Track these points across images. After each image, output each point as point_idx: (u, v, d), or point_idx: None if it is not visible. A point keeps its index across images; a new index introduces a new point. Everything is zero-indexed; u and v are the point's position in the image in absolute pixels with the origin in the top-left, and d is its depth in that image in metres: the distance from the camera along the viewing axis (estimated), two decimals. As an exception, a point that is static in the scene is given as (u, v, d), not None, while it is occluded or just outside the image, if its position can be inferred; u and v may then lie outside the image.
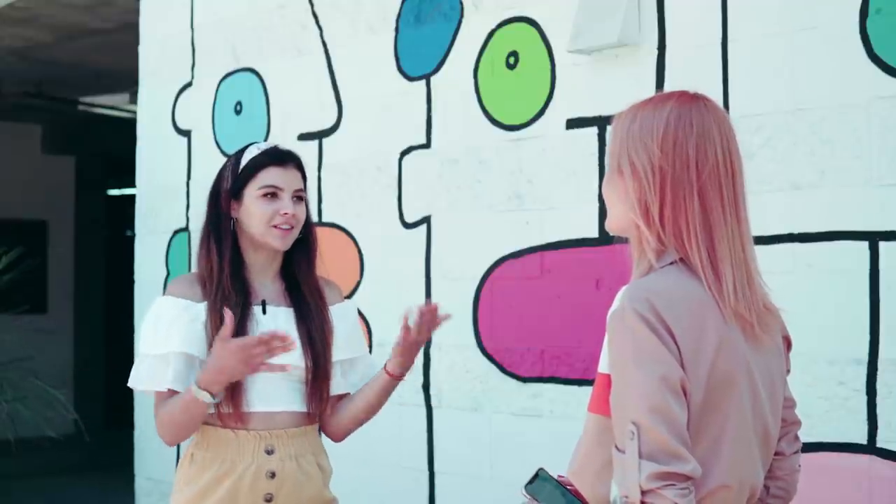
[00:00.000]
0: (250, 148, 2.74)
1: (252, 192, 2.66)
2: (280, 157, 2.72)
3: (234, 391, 2.58)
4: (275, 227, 2.65)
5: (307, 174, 2.80)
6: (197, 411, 2.55)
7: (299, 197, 2.70)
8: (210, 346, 2.56)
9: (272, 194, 2.66)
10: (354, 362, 2.81)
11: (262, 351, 2.48)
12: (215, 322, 2.58)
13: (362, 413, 2.78)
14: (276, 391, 2.64)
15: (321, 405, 2.69)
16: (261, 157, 2.70)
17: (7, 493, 7.43)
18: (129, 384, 2.68)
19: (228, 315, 2.49)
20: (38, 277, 9.49)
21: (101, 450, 7.77)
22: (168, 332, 2.61)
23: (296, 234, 2.70)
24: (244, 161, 2.70)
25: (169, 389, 2.59)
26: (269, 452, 2.61)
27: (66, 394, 6.24)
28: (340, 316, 2.77)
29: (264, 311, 2.66)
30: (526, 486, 1.89)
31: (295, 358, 2.63)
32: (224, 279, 2.63)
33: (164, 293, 2.72)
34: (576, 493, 1.87)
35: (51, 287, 10.39)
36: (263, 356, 2.48)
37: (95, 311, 10.63)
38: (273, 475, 2.60)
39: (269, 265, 2.71)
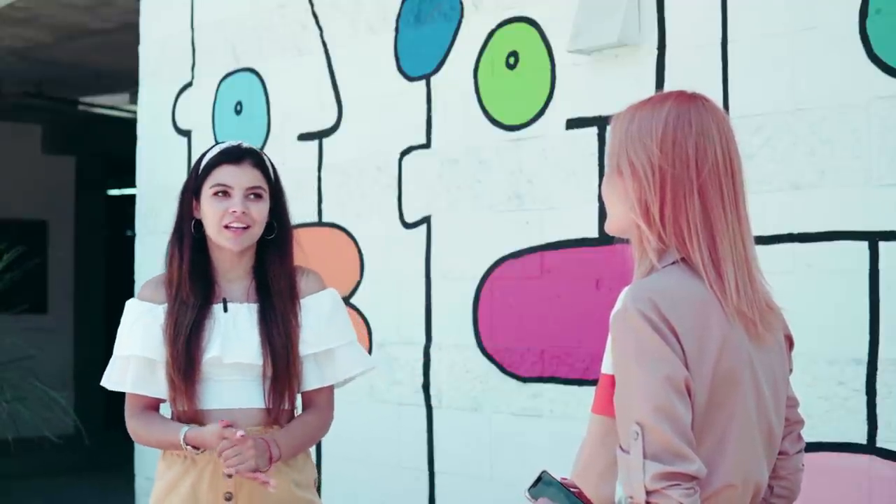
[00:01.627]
0: (214, 147, 2.73)
1: (206, 191, 2.65)
2: (233, 155, 2.66)
3: (186, 392, 2.60)
4: (226, 227, 2.62)
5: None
6: (174, 447, 2.63)
7: (256, 195, 2.65)
8: (167, 348, 2.60)
9: (223, 192, 2.63)
10: (332, 354, 2.72)
11: (230, 449, 2.50)
12: (170, 324, 2.62)
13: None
14: (233, 389, 2.63)
15: (282, 402, 2.65)
16: (216, 156, 2.67)
17: (7, 493, 7.42)
18: (102, 382, 2.76)
19: (226, 429, 2.52)
20: (38, 277, 9.48)
21: (101, 450, 7.76)
22: (129, 335, 2.67)
23: (253, 232, 2.65)
24: (203, 161, 2.69)
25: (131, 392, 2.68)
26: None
27: (66, 395, 6.24)
28: (313, 306, 2.70)
29: (225, 310, 2.65)
30: (529, 489, 1.88)
31: (252, 356, 2.62)
32: (184, 281, 2.64)
33: None
34: (580, 495, 1.87)
35: (51, 287, 10.39)
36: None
37: (95, 311, 10.63)
38: (230, 474, 2.57)
39: (237, 263, 2.69)
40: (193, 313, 2.62)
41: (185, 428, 2.58)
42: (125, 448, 5.59)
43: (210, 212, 2.63)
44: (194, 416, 2.63)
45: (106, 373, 2.74)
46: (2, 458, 6.85)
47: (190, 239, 2.67)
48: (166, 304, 2.66)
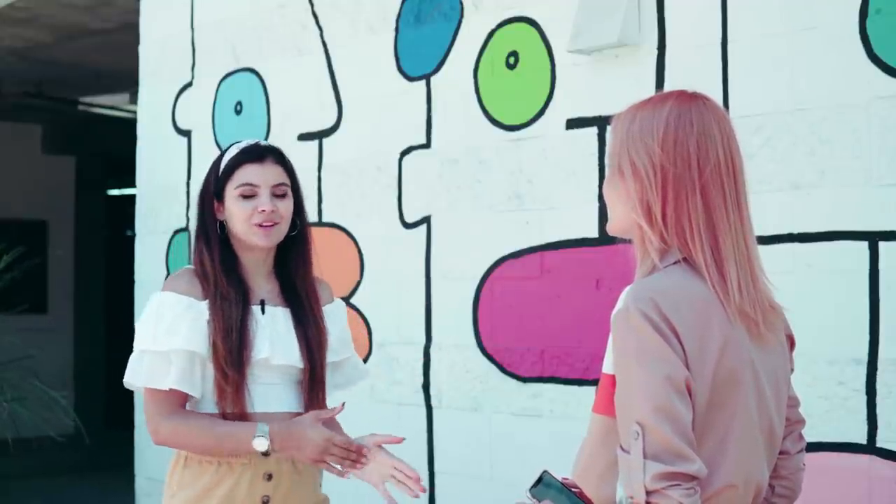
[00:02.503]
0: (231, 147, 2.71)
1: (231, 191, 2.63)
2: (255, 154, 2.66)
3: (237, 392, 2.56)
4: (256, 225, 2.61)
5: (297, 171, 2.72)
6: (239, 449, 2.55)
7: (281, 192, 2.65)
8: (212, 344, 2.55)
9: (249, 192, 2.62)
10: (341, 364, 2.80)
11: (341, 455, 2.54)
12: (218, 318, 2.56)
13: None
14: (274, 393, 2.63)
15: (317, 406, 2.67)
16: (237, 156, 2.66)
17: (6, 493, 7.42)
18: (126, 380, 2.63)
19: (339, 407, 2.58)
20: (38, 277, 9.48)
21: (101, 450, 7.76)
22: (170, 330, 2.56)
23: (282, 229, 2.65)
24: (224, 162, 2.68)
25: (171, 389, 2.56)
26: (266, 454, 2.58)
27: (66, 394, 6.24)
28: (332, 317, 2.75)
29: (263, 311, 2.64)
30: (530, 489, 1.88)
31: (294, 360, 2.63)
32: (220, 279, 2.61)
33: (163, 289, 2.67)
34: (581, 495, 1.87)
35: (51, 287, 10.39)
36: (336, 459, 2.55)
37: (95, 311, 10.63)
38: (270, 477, 2.60)
39: (262, 264, 2.69)
40: (239, 310, 2.58)
41: (260, 438, 2.51)
42: (125, 448, 5.60)
43: (238, 212, 2.61)
44: (242, 419, 2.58)
45: (131, 370, 2.61)
46: (2, 458, 6.85)
47: (218, 241, 2.65)
48: (207, 301, 2.60)
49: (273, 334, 2.62)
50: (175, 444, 2.62)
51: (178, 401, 2.59)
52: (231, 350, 2.55)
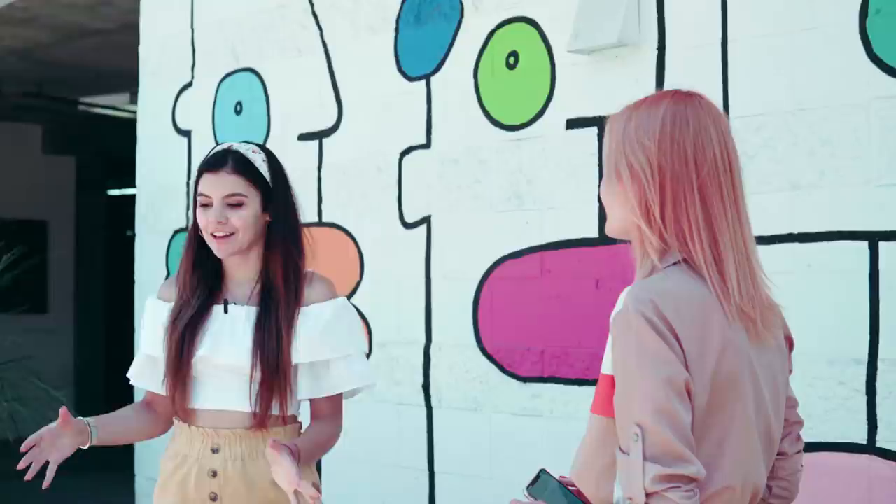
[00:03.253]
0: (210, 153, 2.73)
1: (197, 199, 2.66)
2: (211, 163, 2.63)
3: (178, 386, 2.63)
4: (211, 235, 2.61)
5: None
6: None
7: (236, 202, 2.60)
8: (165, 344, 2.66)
9: (205, 202, 2.62)
10: (327, 365, 2.66)
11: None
12: (171, 321, 2.66)
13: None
14: (224, 390, 2.63)
15: (270, 408, 2.60)
16: (200, 165, 2.67)
17: (6, 493, 7.42)
18: (128, 374, 2.83)
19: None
20: (38, 277, 9.49)
21: (101, 450, 7.75)
22: (143, 332, 2.77)
23: (239, 238, 2.61)
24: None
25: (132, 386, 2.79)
26: (215, 451, 2.61)
27: (66, 394, 6.23)
28: (313, 315, 2.64)
29: (225, 311, 2.65)
30: (528, 486, 1.88)
31: (241, 358, 2.60)
32: (186, 280, 2.68)
33: None
34: (578, 493, 1.87)
35: (51, 287, 10.39)
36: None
37: (95, 311, 10.64)
38: (214, 474, 2.60)
39: (244, 266, 2.68)
40: (192, 312, 2.64)
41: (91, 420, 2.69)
42: (125, 448, 5.59)
43: (199, 222, 2.65)
44: (185, 413, 2.67)
45: (132, 367, 2.84)
46: (2, 458, 6.84)
47: (194, 242, 2.68)
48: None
49: (223, 333, 2.62)
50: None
51: (146, 398, 2.83)
52: (171, 349, 2.64)
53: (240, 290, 2.68)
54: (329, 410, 2.69)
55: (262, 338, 2.59)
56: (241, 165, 2.62)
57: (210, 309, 2.65)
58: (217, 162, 2.62)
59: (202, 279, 2.67)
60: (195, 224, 2.67)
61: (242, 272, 2.68)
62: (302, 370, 2.65)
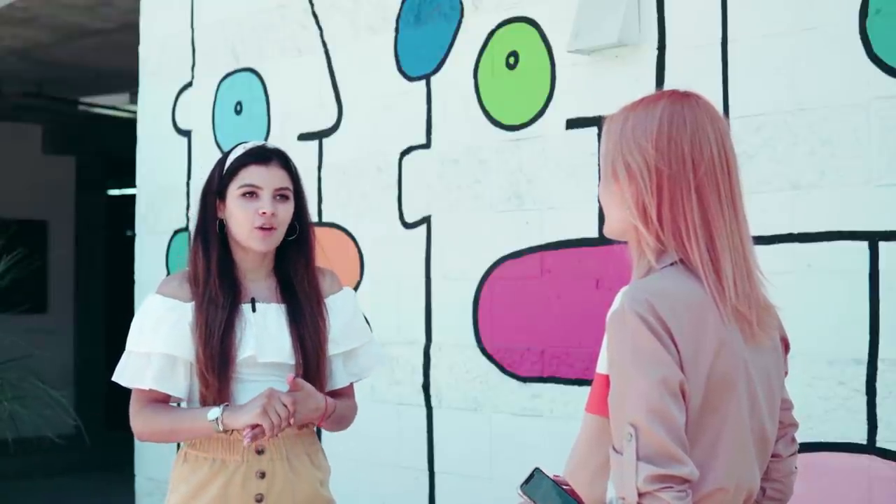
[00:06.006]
0: (237, 147, 2.71)
1: (233, 191, 2.63)
2: (261, 156, 2.66)
3: (222, 389, 2.58)
4: (256, 228, 2.61)
5: (300, 172, 2.73)
6: (195, 427, 2.58)
7: (283, 196, 2.64)
8: (196, 346, 2.57)
9: (251, 193, 2.62)
10: (356, 352, 2.77)
11: (278, 409, 2.49)
12: (201, 323, 2.59)
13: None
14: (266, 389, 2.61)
15: None
16: (243, 157, 2.66)
17: (6, 493, 7.42)
18: (114, 378, 2.71)
19: (290, 378, 2.55)
20: (38, 277, 9.47)
21: (102, 450, 7.76)
22: (153, 332, 2.62)
23: (279, 234, 2.64)
24: (229, 161, 2.68)
25: (152, 389, 2.62)
26: (260, 452, 2.60)
27: (66, 394, 6.24)
28: (338, 307, 2.73)
29: (254, 309, 2.64)
30: (522, 485, 1.89)
31: (285, 356, 2.62)
32: (212, 280, 2.62)
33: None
34: (572, 492, 1.87)
35: (51, 287, 10.39)
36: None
37: (95, 311, 10.63)
38: (263, 475, 2.60)
39: (260, 263, 2.68)
40: (225, 312, 2.59)
41: (215, 408, 2.54)
42: (125, 448, 5.60)
43: (238, 213, 2.62)
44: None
45: (118, 368, 2.69)
46: (2, 458, 6.85)
47: (216, 239, 2.65)
48: (193, 303, 2.62)
49: (262, 332, 2.62)
50: (148, 436, 2.69)
51: (156, 399, 2.66)
52: (212, 356, 2.57)
53: (259, 289, 2.68)
54: (347, 391, 2.79)
55: (301, 334, 2.63)
56: (287, 162, 2.70)
57: (238, 308, 2.63)
58: (267, 155, 2.66)
59: (227, 278, 2.64)
60: (214, 221, 2.65)
61: (259, 270, 2.69)
62: (335, 360, 2.73)
